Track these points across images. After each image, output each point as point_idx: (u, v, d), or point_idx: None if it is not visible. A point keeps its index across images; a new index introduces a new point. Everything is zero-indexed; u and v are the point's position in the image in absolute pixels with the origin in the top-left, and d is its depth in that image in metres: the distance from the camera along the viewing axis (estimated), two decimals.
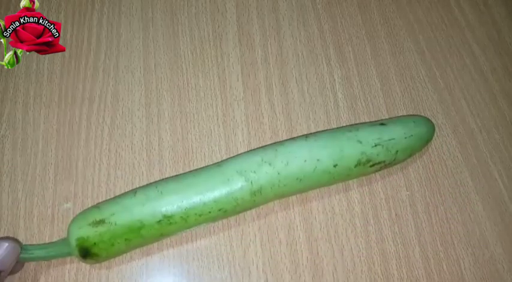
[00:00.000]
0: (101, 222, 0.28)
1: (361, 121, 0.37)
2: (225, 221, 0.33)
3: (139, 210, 0.28)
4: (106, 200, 0.31)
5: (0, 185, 0.34)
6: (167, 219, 0.28)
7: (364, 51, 0.41)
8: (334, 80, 0.39)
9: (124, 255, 0.31)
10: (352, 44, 0.41)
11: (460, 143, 0.37)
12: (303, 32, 0.41)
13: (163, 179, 0.32)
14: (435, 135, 0.37)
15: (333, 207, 0.34)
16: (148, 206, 0.29)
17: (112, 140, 0.36)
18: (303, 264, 0.32)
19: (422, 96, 0.39)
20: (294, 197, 0.34)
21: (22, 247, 0.28)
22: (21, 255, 0.28)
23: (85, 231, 0.28)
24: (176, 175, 0.32)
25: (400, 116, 0.37)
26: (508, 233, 0.34)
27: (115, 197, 0.30)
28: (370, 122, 0.35)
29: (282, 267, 0.32)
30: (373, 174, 0.35)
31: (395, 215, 0.34)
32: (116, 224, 0.28)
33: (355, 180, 0.35)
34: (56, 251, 0.29)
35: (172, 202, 0.29)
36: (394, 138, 0.32)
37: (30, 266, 0.31)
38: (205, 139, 0.36)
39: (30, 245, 0.30)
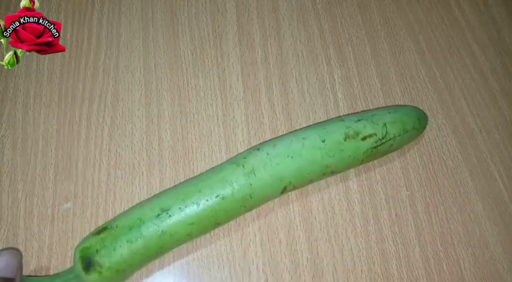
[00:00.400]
0: (104, 229, 0.28)
1: None
2: None
3: (139, 210, 0.29)
4: None
5: (0, 185, 0.34)
6: (165, 212, 0.28)
7: (364, 51, 0.41)
8: (334, 80, 0.39)
9: None
10: (352, 44, 0.41)
11: (460, 143, 0.37)
12: (303, 32, 0.41)
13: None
14: (435, 135, 0.37)
15: (333, 207, 0.34)
16: (146, 205, 0.29)
17: (112, 140, 0.36)
18: (303, 264, 0.32)
19: (422, 96, 0.39)
20: (294, 197, 0.34)
21: (23, 280, 0.28)
22: None
23: (88, 241, 0.28)
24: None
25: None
26: (508, 233, 0.34)
27: None
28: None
29: (282, 267, 0.32)
30: (374, 175, 0.35)
31: (395, 215, 0.34)
32: (117, 226, 0.28)
33: (355, 180, 0.35)
34: (60, 279, 0.29)
35: (170, 197, 0.29)
36: (376, 114, 0.33)
37: None
38: (205, 139, 0.36)
39: (33, 276, 0.29)
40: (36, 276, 0.30)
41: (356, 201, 0.34)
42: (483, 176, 0.36)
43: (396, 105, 0.38)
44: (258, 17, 0.42)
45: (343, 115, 0.36)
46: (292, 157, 0.30)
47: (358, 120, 0.32)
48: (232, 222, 0.33)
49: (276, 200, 0.34)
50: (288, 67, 0.39)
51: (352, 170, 0.35)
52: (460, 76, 0.40)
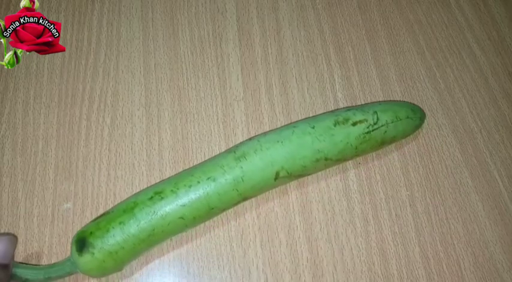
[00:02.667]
0: (102, 215, 0.30)
1: None
2: (225, 220, 0.33)
3: (135, 195, 0.30)
4: None
5: (0, 185, 0.34)
6: (158, 194, 0.29)
7: (364, 51, 0.41)
8: (334, 80, 0.39)
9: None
10: (352, 44, 0.41)
11: (460, 143, 0.37)
12: (303, 32, 0.41)
13: None
14: (435, 134, 0.37)
15: (333, 207, 0.34)
16: (143, 191, 0.31)
17: (112, 140, 0.36)
18: (303, 264, 0.32)
19: (422, 96, 0.39)
20: (294, 197, 0.34)
21: (18, 266, 0.28)
22: (19, 273, 0.28)
23: (86, 226, 0.29)
24: None
25: None
26: (508, 233, 0.34)
27: None
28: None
29: (282, 267, 0.32)
30: (374, 175, 0.35)
31: (395, 215, 0.34)
32: (113, 211, 0.29)
33: (355, 180, 0.35)
34: (56, 270, 0.29)
35: (164, 182, 0.31)
36: (367, 104, 0.34)
37: None
38: (205, 139, 0.36)
39: (30, 265, 0.29)
40: (35, 264, 0.31)
41: (356, 201, 0.34)
42: (483, 176, 0.36)
43: (390, 100, 0.39)
44: (258, 17, 0.42)
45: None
46: (282, 142, 0.31)
47: (348, 110, 0.33)
48: (232, 222, 0.33)
49: (276, 199, 0.34)
50: (288, 67, 0.39)
51: (352, 170, 0.35)
52: (460, 76, 0.40)
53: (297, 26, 0.41)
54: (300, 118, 0.37)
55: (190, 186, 0.29)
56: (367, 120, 0.32)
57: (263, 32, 0.41)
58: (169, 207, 0.29)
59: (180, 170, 0.35)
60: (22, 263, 0.30)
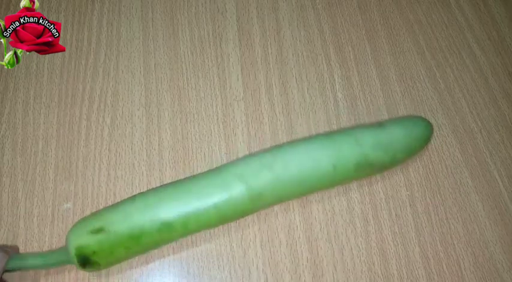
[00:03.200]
0: (100, 230, 0.28)
1: (361, 121, 0.37)
2: None
3: (139, 218, 0.28)
4: (105, 207, 0.30)
5: (0, 185, 0.34)
6: (167, 227, 0.28)
7: (364, 51, 0.41)
8: (334, 80, 0.39)
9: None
10: (352, 44, 0.41)
11: (460, 143, 0.37)
12: (303, 32, 0.41)
13: (162, 185, 0.31)
14: (435, 134, 0.37)
15: (333, 208, 0.34)
16: (147, 214, 0.28)
17: (112, 140, 0.36)
18: (303, 264, 0.32)
19: (422, 96, 0.39)
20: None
21: (17, 256, 0.28)
22: (18, 264, 0.28)
23: (84, 239, 0.28)
24: (175, 181, 0.31)
25: (398, 117, 0.37)
26: (508, 233, 0.34)
27: (114, 204, 0.30)
28: (369, 124, 0.35)
29: (282, 267, 0.32)
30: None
31: (395, 215, 0.34)
32: (115, 232, 0.28)
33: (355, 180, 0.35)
34: (54, 260, 0.29)
35: (172, 209, 0.28)
36: (392, 140, 0.32)
37: (28, 274, 0.31)
38: (205, 139, 0.36)
39: (27, 253, 0.29)
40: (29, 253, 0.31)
41: (356, 201, 0.34)
42: (483, 176, 0.36)
43: (409, 119, 0.35)
44: (258, 17, 0.42)
45: (359, 130, 0.33)
46: (301, 182, 0.31)
47: (374, 146, 0.31)
48: (232, 223, 0.33)
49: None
50: (288, 67, 0.39)
51: None
52: (460, 76, 0.40)
53: (297, 26, 0.41)
54: (299, 118, 0.37)
55: (200, 221, 0.29)
56: (385, 161, 0.32)
57: (263, 32, 0.41)
58: (178, 237, 0.30)
59: (180, 170, 0.35)
60: (18, 254, 0.30)
